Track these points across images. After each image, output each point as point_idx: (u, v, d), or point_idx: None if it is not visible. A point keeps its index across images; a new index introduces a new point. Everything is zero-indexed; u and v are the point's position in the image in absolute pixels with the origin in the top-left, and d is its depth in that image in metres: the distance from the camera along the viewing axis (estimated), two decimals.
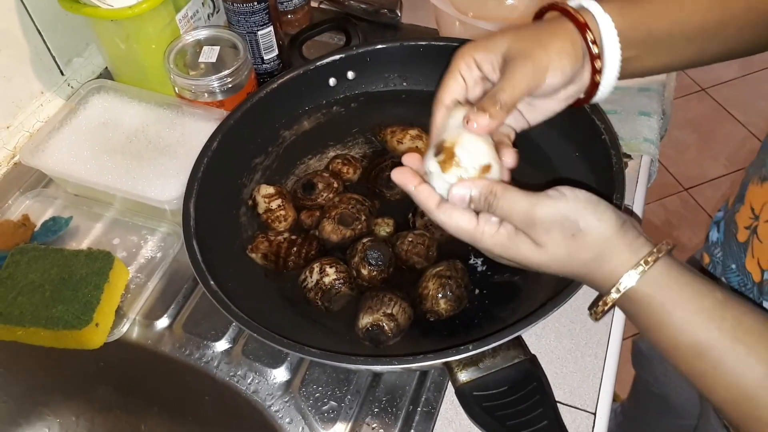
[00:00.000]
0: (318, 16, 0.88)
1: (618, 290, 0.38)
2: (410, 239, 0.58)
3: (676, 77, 0.86)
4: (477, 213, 0.42)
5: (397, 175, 0.44)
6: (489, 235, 0.41)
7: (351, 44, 0.79)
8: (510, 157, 0.43)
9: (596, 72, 0.43)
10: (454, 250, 0.59)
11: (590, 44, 0.42)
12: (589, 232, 0.38)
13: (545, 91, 0.43)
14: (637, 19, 0.43)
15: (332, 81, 0.70)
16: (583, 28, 0.42)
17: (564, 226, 0.38)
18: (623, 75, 0.44)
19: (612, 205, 0.40)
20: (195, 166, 0.59)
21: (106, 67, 0.83)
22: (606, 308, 0.39)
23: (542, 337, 0.58)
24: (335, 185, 0.63)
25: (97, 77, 0.82)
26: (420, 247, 0.58)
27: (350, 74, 0.70)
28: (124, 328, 0.60)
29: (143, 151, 0.68)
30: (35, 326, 0.56)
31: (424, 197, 0.43)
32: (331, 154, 0.68)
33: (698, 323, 0.37)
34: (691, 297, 0.37)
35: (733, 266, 0.60)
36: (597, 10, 0.42)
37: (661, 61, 0.46)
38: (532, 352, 0.47)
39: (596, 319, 0.41)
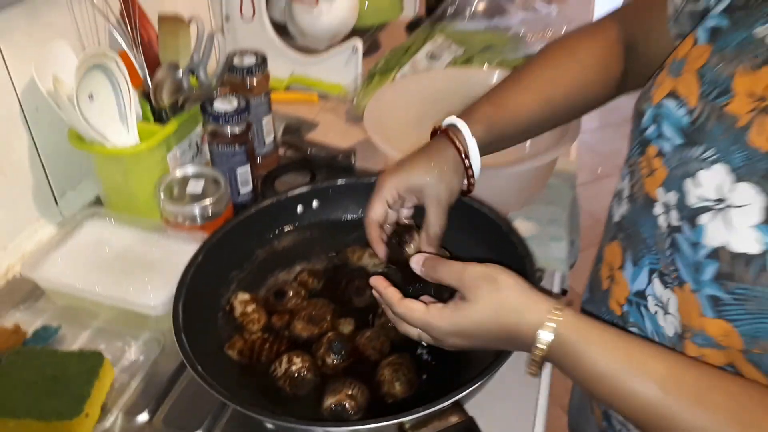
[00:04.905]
0: (283, 162, 1.03)
1: (541, 346, 0.49)
2: (368, 335, 0.69)
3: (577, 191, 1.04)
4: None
5: (375, 280, 0.59)
6: (438, 311, 0.53)
7: (315, 180, 0.94)
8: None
9: (470, 178, 0.67)
10: (404, 345, 0.69)
11: (466, 166, 0.66)
12: (504, 283, 0.51)
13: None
14: (494, 131, 0.68)
15: (300, 208, 0.83)
16: (462, 155, 0.66)
17: (487, 280, 0.51)
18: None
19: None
20: (183, 274, 0.69)
21: (95, 199, 0.94)
22: (537, 361, 0.50)
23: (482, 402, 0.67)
24: (302, 293, 0.74)
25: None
26: (376, 342, 0.68)
27: (315, 203, 0.84)
28: (108, 422, 0.66)
29: (131, 268, 0.78)
30: (28, 418, 0.61)
31: (391, 294, 0.57)
32: (298, 268, 0.79)
33: (606, 354, 0.47)
34: (600, 333, 0.48)
35: (603, 309, 0.69)
36: (466, 132, 0.66)
37: (505, 146, 0.71)
38: (473, 414, 0.56)
39: (534, 375, 0.51)
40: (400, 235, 0.66)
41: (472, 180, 0.67)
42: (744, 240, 0.45)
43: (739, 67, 0.49)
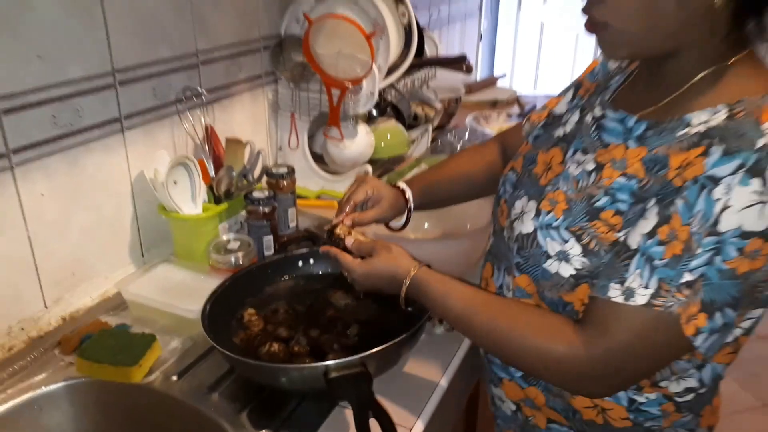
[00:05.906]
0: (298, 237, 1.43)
1: (406, 282, 0.85)
2: (326, 337, 1.03)
3: None
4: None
5: (324, 247, 0.97)
6: (359, 263, 0.91)
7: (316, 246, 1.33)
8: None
9: (408, 218, 1.04)
10: (350, 346, 1.02)
11: (408, 210, 1.04)
12: (393, 249, 0.89)
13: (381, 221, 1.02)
14: (426, 192, 1.07)
15: (300, 263, 1.21)
16: (409, 206, 1.04)
17: (385, 247, 0.89)
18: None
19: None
20: (214, 290, 1.07)
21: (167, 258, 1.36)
22: (403, 296, 0.86)
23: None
24: (290, 312, 1.10)
25: None
26: (330, 343, 1.02)
27: (311, 261, 1.21)
28: (152, 377, 1.01)
29: (183, 292, 1.17)
30: (105, 363, 0.98)
31: (335, 251, 0.96)
32: (291, 299, 1.15)
33: (437, 287, 0.83)
34: (439, 277, 0.84)
35: None
36: (409, 193, 1.05)
37: (434, 206, 1.12)
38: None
39: (404, 305, 0.87)
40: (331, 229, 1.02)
41: (408, 218, 1.09)
42: (527, 226, 0.82)
43: (540, 149, 0.90)
